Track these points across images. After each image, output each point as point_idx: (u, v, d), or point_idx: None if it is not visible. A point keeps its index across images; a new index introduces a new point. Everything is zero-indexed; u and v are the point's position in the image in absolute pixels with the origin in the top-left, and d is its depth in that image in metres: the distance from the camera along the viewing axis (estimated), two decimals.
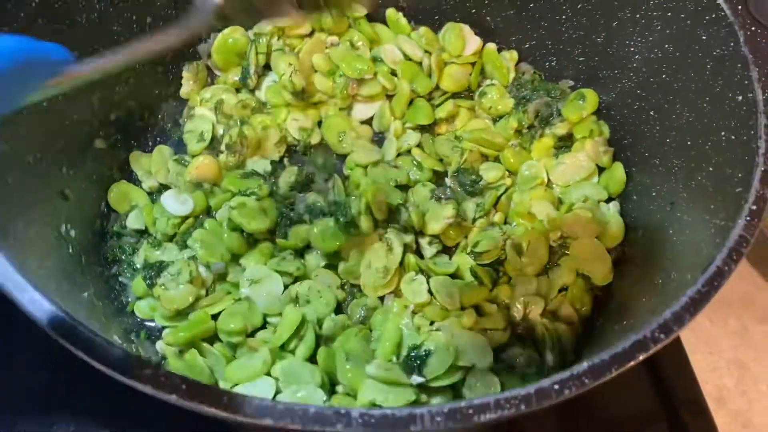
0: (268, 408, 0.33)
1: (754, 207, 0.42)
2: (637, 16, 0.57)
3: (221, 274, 0.58)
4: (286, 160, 0.65)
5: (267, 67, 0.68)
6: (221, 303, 0.56)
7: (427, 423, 0.33)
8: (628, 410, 0.60)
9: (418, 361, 0.50)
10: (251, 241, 0.59)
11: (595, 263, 0.58)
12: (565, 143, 0.65)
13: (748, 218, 0.41)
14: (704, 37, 0.52)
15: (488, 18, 0.69)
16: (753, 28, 0.49)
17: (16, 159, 0.48)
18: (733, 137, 0.47)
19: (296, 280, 0.58)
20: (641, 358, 0.36)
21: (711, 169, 0.49)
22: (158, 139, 0.66)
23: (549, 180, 0.63)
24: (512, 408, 0.34)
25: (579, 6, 0.62)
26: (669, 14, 0.55)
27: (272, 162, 0.63)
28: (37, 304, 0.38)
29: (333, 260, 0.59)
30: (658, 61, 0.57)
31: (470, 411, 0.33)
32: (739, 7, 0.50)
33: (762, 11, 0.49)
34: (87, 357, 0.36)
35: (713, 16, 0.51)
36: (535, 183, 0.62)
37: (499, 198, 0.63)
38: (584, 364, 0.35)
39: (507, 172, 0.64)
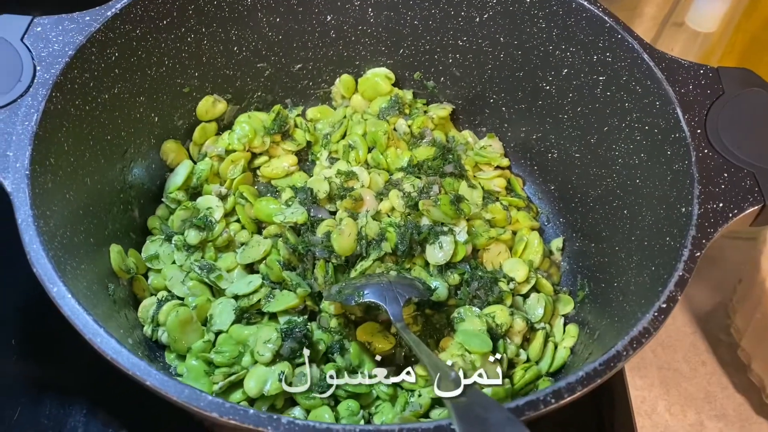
0: (217, 404, 0.42)
1: (664, 305, 0.48)
2: (623, 125, 0.65)
3: None
4: None
5: None
6: None
7: None
8: None
9: None
10: None
11: None
12: None
13: (655, 313, 0.47)
14: (669, 152, 0.59)
15: None
16: (705, 151, 0.56)
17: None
18: (672, 243, 0.54)
19: None
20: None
21: (653, 267, 0.55)
22: None
23: None
24: None
25: (579, 109, 0.70)
26: (646, 127, 0.62)
27: None
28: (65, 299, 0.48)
29: None
30: (635, 167, 0.63)
31: None
32: (698, 130, 0.57)
33: (714, 135, 0.56)
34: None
35: (677, 135, 0.58)
36: None
37: None
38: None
39: None
